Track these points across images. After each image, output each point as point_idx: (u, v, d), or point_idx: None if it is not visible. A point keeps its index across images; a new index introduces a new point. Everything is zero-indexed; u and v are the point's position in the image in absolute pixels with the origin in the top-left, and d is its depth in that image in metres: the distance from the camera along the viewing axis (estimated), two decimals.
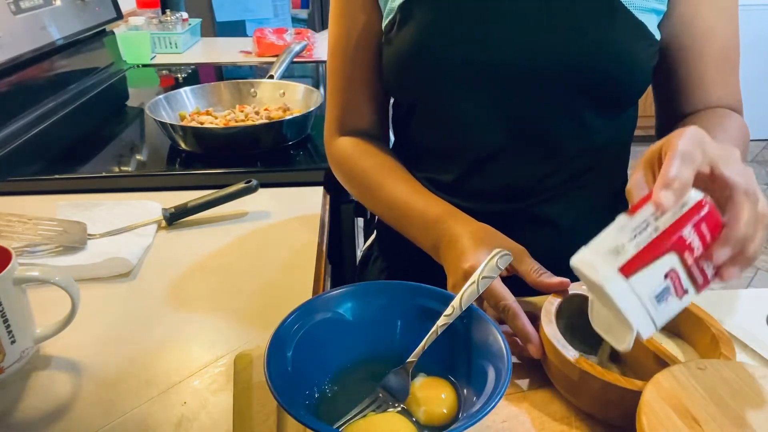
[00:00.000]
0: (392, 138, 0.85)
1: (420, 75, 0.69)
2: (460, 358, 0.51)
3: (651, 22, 0.65)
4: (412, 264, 0.71)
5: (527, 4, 0.64)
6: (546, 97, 0.66)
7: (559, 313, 0.53)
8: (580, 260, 0.44)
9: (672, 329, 0.55)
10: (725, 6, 0.69)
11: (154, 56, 1.78)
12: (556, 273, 0.70)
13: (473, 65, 0.66)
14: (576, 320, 0.54)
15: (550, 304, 0.54)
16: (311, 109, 1.08)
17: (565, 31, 0.64)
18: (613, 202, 0.77)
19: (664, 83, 0.73)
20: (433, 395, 0.48)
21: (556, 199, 0.72)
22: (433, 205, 0.68)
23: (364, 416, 0.47)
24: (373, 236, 0.93)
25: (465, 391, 0.49)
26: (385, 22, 0.72)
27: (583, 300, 0.53)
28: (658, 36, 0.67)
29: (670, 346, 0.54)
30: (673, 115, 0.73)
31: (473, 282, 0.50)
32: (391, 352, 0.52)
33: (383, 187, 0.73)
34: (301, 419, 0.41)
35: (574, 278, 0.67)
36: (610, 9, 0.63)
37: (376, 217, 0.91)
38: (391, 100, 0.82)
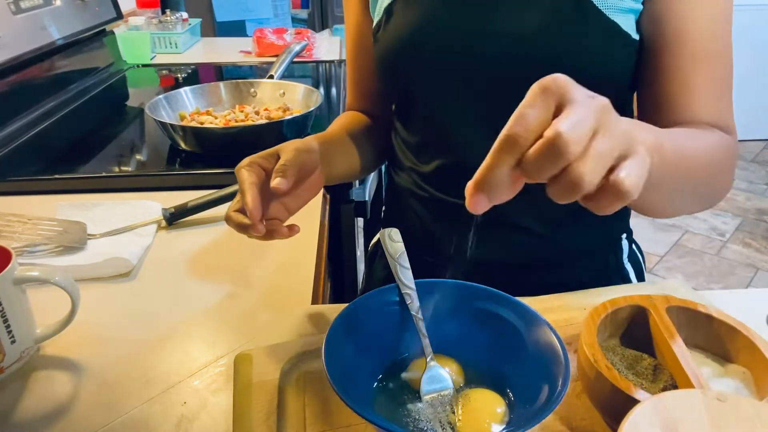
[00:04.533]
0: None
1: (402, 70, 0.72)
2: (512, 362, 0.51)
3: (626, 22, 0.64)
4: (416, 258, 0.72)
5: (503, 5, 0.65)
6: (520, 96, 0.66)
7: (604, 327, 0.53)
8: None
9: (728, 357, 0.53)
10: (704, 9, 0.63)
11: (154, 56, 1.78)
12: (534, 279, 0.71)
13: (448, 61, 0.68)
14: (622, 330, 0.54)
15: (593, 321, 0.52)
16: (311, 109, 1.08)
17: (536, 30, 0.64)
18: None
19: (644, 95, 0.69)
20: (483, 414, 0.48)
21: (531, 204, 0.71)
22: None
23: None
24: (379, 233, 0.94)
25: (511, 395, 0.49)
26: (374, 25, 0.76)
27: (631, 312, 0.53)
28: (635, 35, 0.65)
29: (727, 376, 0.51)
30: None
31: (393, 266, 0.55)
32: (441, 350, 0.52)
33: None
34: (375, 422, 0.41)
35: (547, 284, 0.66)
36: (581, 11, 0.63)
37: (383, 214, 0.92)
38: None
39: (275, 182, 0.55)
